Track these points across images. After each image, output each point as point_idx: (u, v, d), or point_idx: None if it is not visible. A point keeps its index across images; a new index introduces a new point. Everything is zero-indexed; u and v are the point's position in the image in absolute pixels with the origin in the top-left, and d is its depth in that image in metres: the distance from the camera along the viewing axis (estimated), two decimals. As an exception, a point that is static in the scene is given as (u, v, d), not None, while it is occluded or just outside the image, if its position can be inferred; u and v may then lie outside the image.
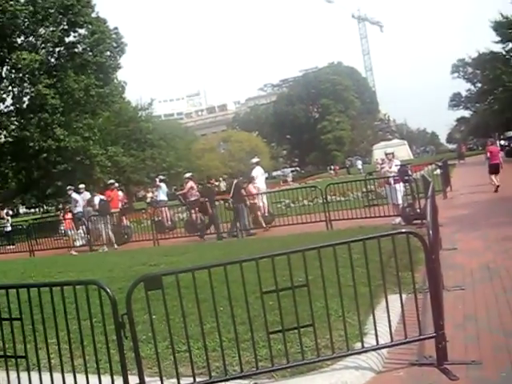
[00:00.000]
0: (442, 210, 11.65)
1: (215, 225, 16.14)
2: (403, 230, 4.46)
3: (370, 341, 4.50)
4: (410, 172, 14.52)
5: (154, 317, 5.27)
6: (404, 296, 5.39)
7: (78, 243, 18.07)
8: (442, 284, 6.36)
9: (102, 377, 4.22)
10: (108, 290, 4.01)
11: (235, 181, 16.96)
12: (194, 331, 4.72)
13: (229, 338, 4.79)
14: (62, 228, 20.48)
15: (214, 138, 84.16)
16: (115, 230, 17.99)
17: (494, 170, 18.94)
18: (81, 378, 4.28)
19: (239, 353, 4.17)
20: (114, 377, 4.14)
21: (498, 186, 17.84)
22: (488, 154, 20.65)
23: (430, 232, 4.40)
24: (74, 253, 17.27)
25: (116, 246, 17.25)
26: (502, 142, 53.75)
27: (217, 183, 22.09)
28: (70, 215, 18.56)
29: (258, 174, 17.76)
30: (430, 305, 4.42)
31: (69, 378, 4.33)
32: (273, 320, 4.61)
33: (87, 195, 19.74)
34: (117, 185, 20.84)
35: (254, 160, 19.11)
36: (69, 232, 18.68)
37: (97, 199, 18.79)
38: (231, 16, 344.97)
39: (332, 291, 4.55)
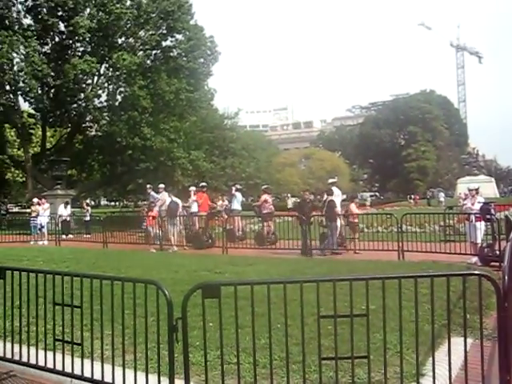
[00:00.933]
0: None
1: (303, 240, 15.90)
2: (476, 272, 4.18)
3: (426, 383, 4.27)
4: (492, 211, 13.85)
5: (210, 324, 5.29)
6: (470, 341, 5.13)
7: (157, 241, 18.43)
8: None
9: (150, 376, 4.26)
10: (166, 292, 4.03)
11: (329, 198, 16.63)
12: (248, 345, 4.66)
13: (281, 357, 4.70)
14: (144, 224, 20.89)
15: (296, 154, 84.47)
16: (201, 233, 18.37)
17: None
18: (129, 373, 4.34)
19: (288, 374, 4.06)
20: (161, 378, 4.16)
21: None
22: None
23: (506, 277, 4.13)
24: (153, 250, 17.64)
25: (175, 248, 17.56)
26: None
27: (311, 197, 21.66)
28: (154, 212, 18.87)
29: (338, 193, 17.50)
30: (498, 356, 4.14)
31: (118, 371, 4.39)
32: (328, 345, 4.49)
33: (165, 195, 20.21)
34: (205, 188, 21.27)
35: (331, 180, 18.88)
36: (150, 229, 19.04)
37: (168, 200, 19.19)
38: (326, 34, 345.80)
39: (393, 325, 4.37)
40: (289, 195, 54.16)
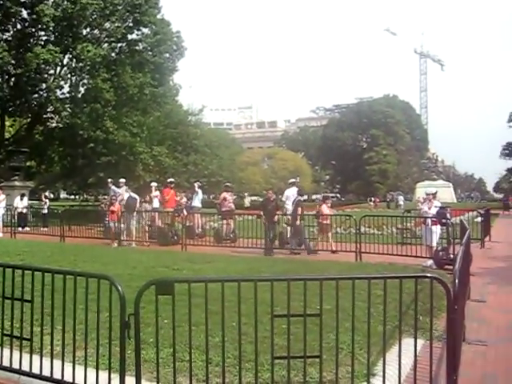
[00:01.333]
0: (477, 260, 11.35)
1: (265, 239, 15.90)
2: (428, 275, 4.27)
3: (377, 383, 4.33)
4: (448, 215, 14.13)
5: (165, 321, 5.25)
6: (422, 342, 5.22)
7: (118, 236, 18.15)
8: (464, 336, 6.14)
9: (101, 372, 4.19)
10: (119, 288, 3.98)
11: (298, 197, 16.85)
12: (202, 343, 4.64)
13: (234, 355, 4.70)
14: (107, 219, 20.47)
15: (259, 153, 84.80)
16: (167, 229, 18.19)
17: None
18: (79, 369, 4.27)
19: (240, 372, 4.06)
20: (112, 375, 4.10)
21: None
22: None
23: (457, 280, 4.22)
24: (115, 245, 17.40)
25: (134, 244, 17.41)
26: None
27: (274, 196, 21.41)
28: (115, 207, 18.53)
29: (290, 194, 17.60)
30: (446, 356, 4.23)
31: (68, 368, 4.32)
32: (282, 344, 4.50)
33: (123, 190, 19.94)
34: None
35: (291, 180, 19.04)
36: (111, 224, 18.67)
37: (126, 195, 18.99)
38: (292, 35, 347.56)
39: (347, 325, 4.41)
40: (246, 194, 54.20)
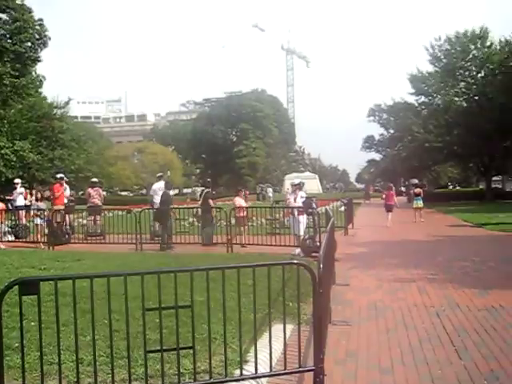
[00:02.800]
0: (341, 246, 11.97)
1: (162, 235, 15.65)
2: (295, 262, 4.48)
3: (250, 369, 4.47)
4: (314, 205, 14.79)
5: (32, 324, 5.02)
6: (292, 326, 5.44)
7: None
8: (330, 318, 6.49)
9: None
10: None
11: (205, 190, 17.00)
12: (72, 343, 4.48)
13: (107, 353, 4.60)
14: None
15: (128, 147, 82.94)
16: (56, 228, 17.00)
17: (388, 209, 23.39)
18: None
19: (113, 370, 3.99)
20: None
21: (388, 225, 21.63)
22: (383, 196, 25.26)
23: (321, 265, 4.46)
24: (2, 246, 16.12)
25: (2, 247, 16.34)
26: (403, 189, 56.88)
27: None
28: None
29: (157, 188, 17.52)
30: (313, 337, 4.46)
31: None
32: (156, 339, 4.48)
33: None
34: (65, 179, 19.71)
35: (158, 174, 19.00)
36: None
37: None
38: (162, 27, 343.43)
39: (220, 315, 4.49)
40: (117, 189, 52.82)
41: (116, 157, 69.20)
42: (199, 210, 17.33)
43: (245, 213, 16.63)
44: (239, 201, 17.16)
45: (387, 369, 5.09)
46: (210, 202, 16.74)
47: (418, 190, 25.64)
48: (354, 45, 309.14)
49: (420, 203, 24.70)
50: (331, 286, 7.29)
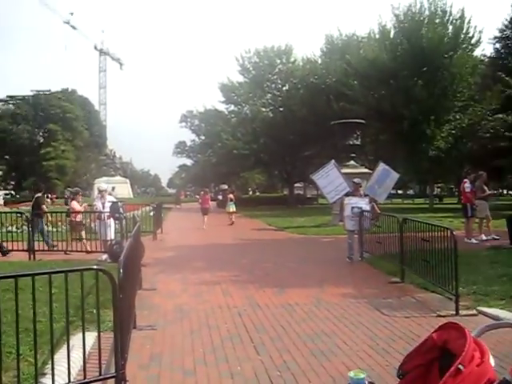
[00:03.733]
0: (149, 251, 11.96)
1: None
2: (94, 267, 4.39)
3: (47, 381, 4.29)
4: (121, 210, 14.62)
5: None
6: (95, 334, 5.33)
7: None
8: (135, 323, 6.46)
9: None
10: None
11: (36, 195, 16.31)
12: None
13: None
14: None
15: None
16: None
17: (204, 212, 25.34)
18: None
19: None
20: None
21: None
22: (200, 201, 27.61)
23: (121, 270, 4.44)
24: None
25: None
26: (220, 197, 58.80)
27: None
28: None
29: None
30: (114, 343, 4.43)
31: None
32: None
33: None
34: None
35: None
36: None
37: None
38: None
39: (21, 326, 4.23)
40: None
41: None
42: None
43: (78, 218, 15.76)
44: (75, 205, 16.32)
45: (190, 370, 5.22)
46: (44, 207, 15.99)
47: (231, 196, 28.49)
48: (168, 50, 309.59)
49: (233, 207, 27.23)
50: (137, 291, 7.26)
